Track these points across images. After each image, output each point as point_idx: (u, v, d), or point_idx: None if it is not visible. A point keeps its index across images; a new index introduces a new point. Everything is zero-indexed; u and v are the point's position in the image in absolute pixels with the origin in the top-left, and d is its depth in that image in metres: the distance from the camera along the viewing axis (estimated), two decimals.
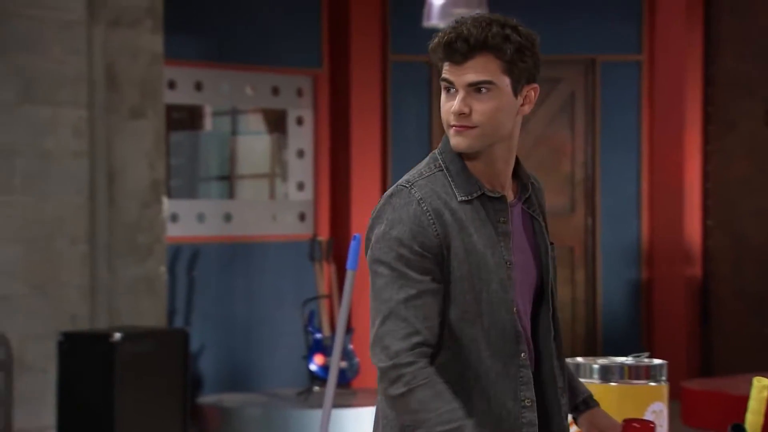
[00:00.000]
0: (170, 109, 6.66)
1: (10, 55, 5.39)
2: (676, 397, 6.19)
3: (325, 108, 7.50)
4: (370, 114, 7.50)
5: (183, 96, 6.97)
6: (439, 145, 2.26)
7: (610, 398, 2.84)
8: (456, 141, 2.19)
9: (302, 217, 7.46)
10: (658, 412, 3.04)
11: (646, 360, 3.09)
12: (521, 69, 2.18)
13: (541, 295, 2.24)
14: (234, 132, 7.47)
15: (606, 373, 3.09)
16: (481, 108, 2.16)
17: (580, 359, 3.10)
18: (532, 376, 2.18)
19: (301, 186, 7.50)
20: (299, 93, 7.46)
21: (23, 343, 5.37)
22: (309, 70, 7.41)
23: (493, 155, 2.21)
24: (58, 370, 5.16)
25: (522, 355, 2.17)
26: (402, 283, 2.15)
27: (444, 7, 6.07)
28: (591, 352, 7.33)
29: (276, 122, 7.49)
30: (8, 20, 5.38)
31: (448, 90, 2.18)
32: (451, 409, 2.09)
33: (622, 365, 3.09)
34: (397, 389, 2.12)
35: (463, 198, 2.18)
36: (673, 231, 7.71)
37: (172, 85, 6.82)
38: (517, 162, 2.29)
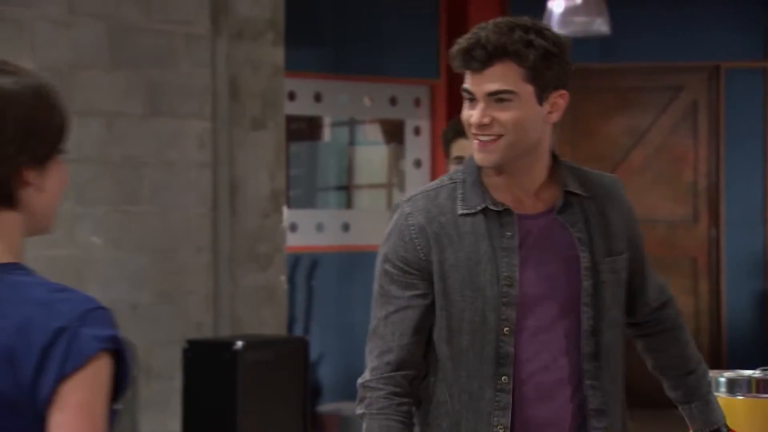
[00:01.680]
0: (290, 120, 6.75)
1: (140, 69, 5.53)
2: None
3: (443, 118, 7.51)
4: None
5: (302, 107, 7.06)
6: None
7: (737, 412, 2.78)
8: (479, 157, 2.09)
9: None
10: None
11: None
12: (547, 76, 2.04)
13: (572, 309, 2.10)
14: (352, 142, 7.53)
15: (733, 387, 3.01)
16: (502, 118, 2.04)
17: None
18: (511, 401, 2.07)
19: None
20: (416, 103, 7.49)
21: (149, 351, 5.50)
22: (426, 80, 7.44)
23: (515, 166, 2.09)
24: (183, 377, 5.26)
25: (503, 378, 2.07)
26: (384, 300, 2.13)
27: (564, 16, 6.02)
28: (716, 364, 7.17)
29: (393, 132, 7.53)
30: (139, 34, 5.52)
31: (470, 100, 2.08)
32: None
33: (749, 378, 3.02)
34: (359, 409, 2.13)
35: (465, 211, 2.10)
36: None
37: (292, 96, 6.91)
38: (562, 170, 2.15)
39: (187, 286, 5.68)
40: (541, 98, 2.06)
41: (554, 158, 2.16)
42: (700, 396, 2.34)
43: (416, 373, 2.11)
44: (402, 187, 7.52)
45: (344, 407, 6.75)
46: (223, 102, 5.81)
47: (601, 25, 6.08)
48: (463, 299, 2.08)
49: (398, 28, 7.29)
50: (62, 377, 1.42)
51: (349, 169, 7.49)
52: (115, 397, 1.48)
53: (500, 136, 2.06)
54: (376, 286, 2.16)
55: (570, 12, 6.02)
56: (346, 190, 7.49)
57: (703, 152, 7.58)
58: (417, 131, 7.51)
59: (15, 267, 1.51)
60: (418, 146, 7.52)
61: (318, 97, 7.13)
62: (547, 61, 2.04)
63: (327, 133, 7.52)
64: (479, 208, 2.10)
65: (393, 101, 7.40)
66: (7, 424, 1.44)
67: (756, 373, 3.05)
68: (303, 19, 6.79)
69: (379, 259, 2.16)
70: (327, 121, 7.43)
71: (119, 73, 5.49)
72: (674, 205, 7.54)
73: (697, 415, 2.35)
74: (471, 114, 2.08)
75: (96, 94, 5.43)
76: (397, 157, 7.55)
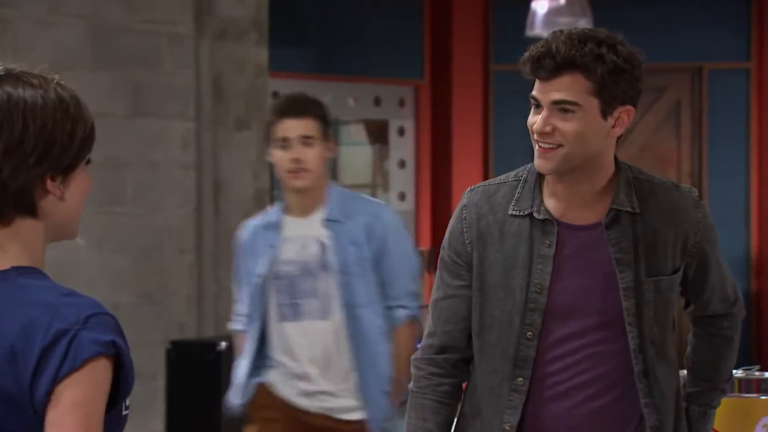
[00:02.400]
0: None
1: (123, 69, 5.52)
2: None
3: (427, 118, 7.52)
4: (472, 124, 7.49)
5: None
6: None
7: (720, 412, 2.79)
8: (538, 163, 2.13)
9: None
10: None
11: (757, 373, 3.03)
12: (614, 91, 2.06)
13: (611, 324, 2.14)
14: (336, 142, 7.53)
15: None
16: (564, 128, 2.07)
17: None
18: (523, 402, 2.14)
19: (402, 196, 7.52)
20: (401, 103, 7.50)
21: (132, 351, 5.47)
22: (411, 81, 7.44)
23: (574, 176, 2.13)
24: (166, 378, 5.26)
25: (518, 379, 2.14)
26: (438, 285, 2.25)
27: (547, 16, 6.03)
28: None
29: (378, 133, 7.53)
30: (122, 35, 5.51)
31: (536, 106, 2.12)
32: (417, 424, 2.22)
33: (732, 378, 3.03)
34: (409, 384, 2.29)
35: (514, 213, 2.15)
36: None
37: (275, 96, 6.91)
38: (621, 183, 2.17)
39: (170, 287, 5.67)
40: (605, 112, 2.08)
41: (619, 169, 2.18)
42: (701, 404, 2.39)
43: (459, 356, 2.22)
44: (386, 188, 7.53)
45: None
46: (206, 102, 5.80)
47: (584, 26, 6.08)
48: (496, 298, 2.15)
49: (382, 28, 7.30)
50: (58, 377, 1.46)
51: (334, 170, 7.49)
52: (116, 402, 1.52)
53: (560, 145, 2.09)
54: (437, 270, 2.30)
55: (553, 12, 6.03)
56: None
57: (686, 152, 7.61)
58: (401, 131, 7.52)
59: (30, 270, 1.56)
60: (402, 146, 7.52)
61: None
62: (616, 76, 2.06)
63: None
64: (527, 212, 2.15)
65: (377, 102, 7.40)
66: (11, 421, 1.48)
67: (738, 373, 3.06)
68: (287, 19, 6.79)
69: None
70: None
71: (102, 74, 5.47)
72: None
73: (689, 420, 2.39)
74: (534, 120, 2.11)
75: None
76: (381, 157, 7.56)
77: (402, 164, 7.52)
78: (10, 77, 1.57)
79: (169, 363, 5.23)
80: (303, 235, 3.35)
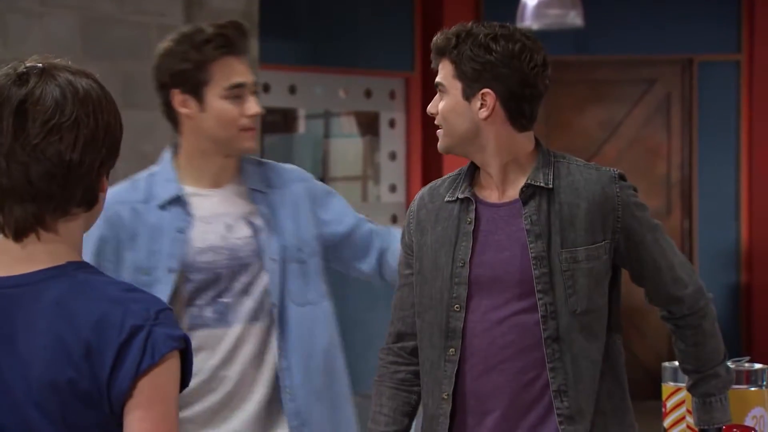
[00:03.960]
0: (264, 112, 6.74)
1: (113, 60, 5.51)
2: None
3: (418, 110, 7.52)
4: None
5: (277, 99, 7.05)
6: None
7: None
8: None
9: (394, 219, 7.49)
10: (758, 417, 2.99)
11: (747, 364, 3.04)
12: (473, 75, 2.28)
13: (529, 294, 2.27)
14: (327, 135, 7.53)
15: None
16: (438, 107, 2.33)
17: (678, 363, 3.06)
18: (455, 372, 2.28)
19: (393, 188, 7.52)
20: (391, 96, 7.50)
21: None
22: (401, 73, 7.44)
23: (466, 156, 2.34)
24: None
25: (450, 350, 2.29)
26: (397, 277, 2.44)
27: (537, 8, 6.03)
28: None
29: (368, 125, 7.53)
30: (112, 26, 5.50)
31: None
32: (374, 410, 2.39)
33: None
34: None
35: (449, 199, 2.35)
36: None
37: (266, 88, 6.90)
38: (539, 163, 2.32)
39: None
40: (467, 94, 2.30)
41: (540, 152, 2.35)
42: (698, 395, 2.47)
43: (414, 342, 2.38)
44: (377, 180, 7.53)
45: None
46: None
47: (574, 18, 6.10)
48: (431, 278, 2.33)
49: (373, 20, 7.29)
50: (139, 373, 1.49)
51: (324, 162, 7.49)
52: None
53: (440, 126, 2.35)
54: None
55: (543, 5, 6.04)
56: (321, 182, 7.49)
57: (676, 145, 7.62)
58: (392, 124, 7.52)
59: (84, 265, 1.58)
60: (393, 139, 7.53)
61: (293, 90, 7.12)
62: (473, 61, 2.29)
63: (302, 126, 7.52)
64: (457, 196, 2.35)
65: (368, 94, 7.40)
66: (84, 417, 1.50)
67: (728, 365, 3.07)
68: (277, 10, 6.78)
69: None
70: (302, 113, 7.42)
71: (92, 65, 5.41)
72: (647, 197, 7.56)
73: (694, 410, 2.49)
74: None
75: None
76: (372, 149, 7.56)
77: (393, 156, 7.53)
78: (57, 68, 1.58)
79: None
80: (224, 213, 2.54)
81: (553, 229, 2.28)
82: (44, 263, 1.54)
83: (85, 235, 2.50)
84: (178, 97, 2.56)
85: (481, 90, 2.28)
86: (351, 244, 2.67)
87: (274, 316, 2.53)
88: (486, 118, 2.29)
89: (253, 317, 2.53)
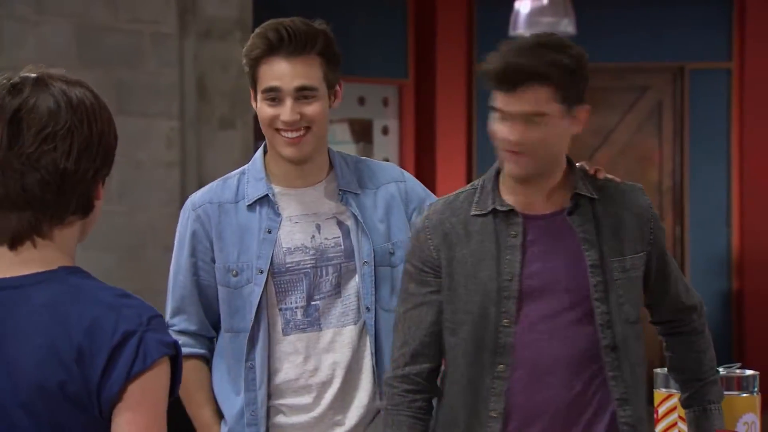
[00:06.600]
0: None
1: (107, 68, 5.52)
2: None
3: (411, 117, 7.54)
4: (456, 123, 7.51)
5: None
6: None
7: None
8: (509, 168, 2.23)
9: None
10: (750, 423, 3.01)
11: (738, 371, 3.06)
12: (572, 93, 2.17)
13: (579, 303, 2.22)
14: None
15: None
16: (531, 137, 2.17)
17: (675, 374, 3.08)
18: (506, 388, 2.20)
19: None
20: (385, 103, 7.51)
21: None
22: (395, 80, 7.46)
23: (539, 176, 2.24)
24: None
25: (500, 367, 2.20)
26: (404, 297, 2.29)
27: (530, 16, 6.06)
28: None
29: (362, 132, 7.55)
30: (107, 34, 5.51)
31: (501, 117, 2.21)
32: None
33: None
34: (382, 404, 2.34)
35: (476, 213, 2.25)
36: (764, 240, 7.59)
37: None
38: (576, 174, 2.28)
39: (154, 286, 5.67)
40: (567, 114, 2.19)
41: (569, 163, 2.30)
42: (699, 403, 2.47)
43: (430, 366, 2.27)
44: None
45: None
46: (191, 101, 5.80)
47: (567, 26, 6.12)
48: (466, 293, 2.22)
49: (366, 27, 7.31)
50: (130, 377, 1.51)
51: None
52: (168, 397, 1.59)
53: (527, 153, 2.19)
54: (400, 284, 2.33)
55: (536, 13, 6.06)
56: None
57: (667, 152, 7.65)
58: (385, 131, 7.53)
59: (77, 270, 1.59)
60: (386, 146, 7.54)
61: None
62: (572, 77, 2.17)
63: None
64: (489, 209, 2.25)
65: (361, 101, 7.41)
66: (72, 420, 1.51)
67: (720, 371, 3.09)
68: (271, 18, 6.78)
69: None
70: None
71: (86, 73, 5.47)
72: None
73: (692, 421, 2.48)
74: (500, 129, 2.21)
75: None
76: (365, 156, 7.57)
77: None
78: (51, 77, 1.58)
79: None
80: (313, 213, 2.46)
81: (603, 238, 2.24)
82: (36, 268, 1.56)
83: (177, 236, 2.54)
84: (252, 94, 2.51)
85: (580, 107, 2.21)
86: None
87: (367, 321, 2.44)
88: (577, 133, 2.23)
89: (346, 321, 2.45)
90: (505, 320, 2.20)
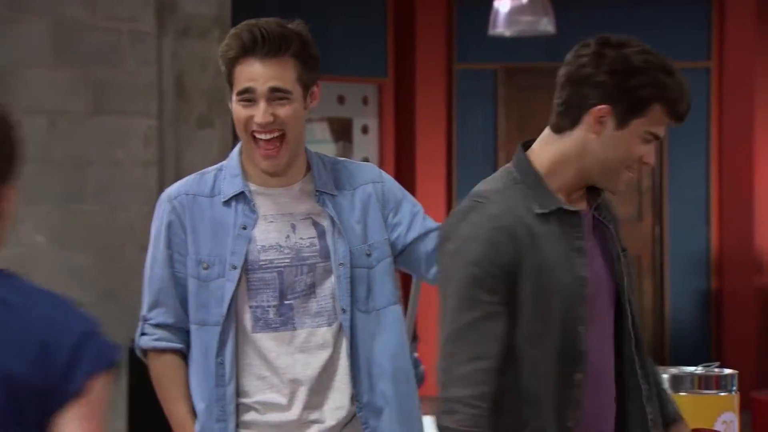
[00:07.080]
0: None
1: (84, 66, 5.49)
2: (746, 407, 6.09)
3: (391, 116, 7.53)
4: (435, 122, 7.51)
5: None
6: (512, 159, 2.21)
7: (680, 408, 2.83)
8: (613, 185, 2.22)
9: None
10: (728, 422, 3.01)
11: (716, 370, 3.07)
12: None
13: (619, 303, 2.18)
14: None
15: (676, 383, 3.06)
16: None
17: None
18: (581, 397, 2.09)
19: None
20: (364, 102, 7.50)
21: None
22: (374, 79, 7.45)
23: (571, 167, 2.15)
24: (128, 377, 5.23)
25: (576, 375, 2.09)
26: (471, 304, 2.06)
27: (510, 15, 6.06)
28: (659, 361, 7.23)
29: (341, 131, 7.53)
30: (84, 32, 5.47)
31: None
32: None
33: (692, 375, 3.07)
34: (445, 422, 2.08)
35: (542, 211, 2.10)
36: (742, 239, 7.61)
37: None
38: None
39: (132, 285, 5.63)
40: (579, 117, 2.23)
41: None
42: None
43: (499, 382, 2.08)
44: None
45: None
46: (169, 100, 5.77)
47: (546, 25, 6.12)
48: (550, 300, 2.08)
49: (346, 26, 7.29)
50: (92, 373, 1.56)
51: None
52: None
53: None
54: (454, 290, 2.08)
55: (516, 11, 6.06)
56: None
57: None
58: (365, 129, 7.52)
59: (9, 272, 1.63)
60: (366, 144, 7.52)
61: None
62: None
63: None
64: (553, 208, 2.11)
65: (341, 100, 7.40)
66: (34, 413, 1.55)
67: (698, 370, 3.10)
68: (250, 16, 6.76)
69: (458, 260, 2.08)
70: None
71: (63, 71, 5.43)
72: (618, 203, 7.53)
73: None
74: (646, 153, 2.26)
75: (40, 92, 5.38)
76: (345, 155, 7.56)
77: (366, 162, 7.54)
78: None
79: (131, 362, 5.20)
80: (289, 213, 2.45)
81: (620, 235, 2.25)
82: None
83: (153, 229, 2.50)
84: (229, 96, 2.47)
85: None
86: (416, 252, 2.49)
87: (343, 323, 2.41)
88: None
89: (321, 321, 2.42)
90: (580, 327, 2.09)
